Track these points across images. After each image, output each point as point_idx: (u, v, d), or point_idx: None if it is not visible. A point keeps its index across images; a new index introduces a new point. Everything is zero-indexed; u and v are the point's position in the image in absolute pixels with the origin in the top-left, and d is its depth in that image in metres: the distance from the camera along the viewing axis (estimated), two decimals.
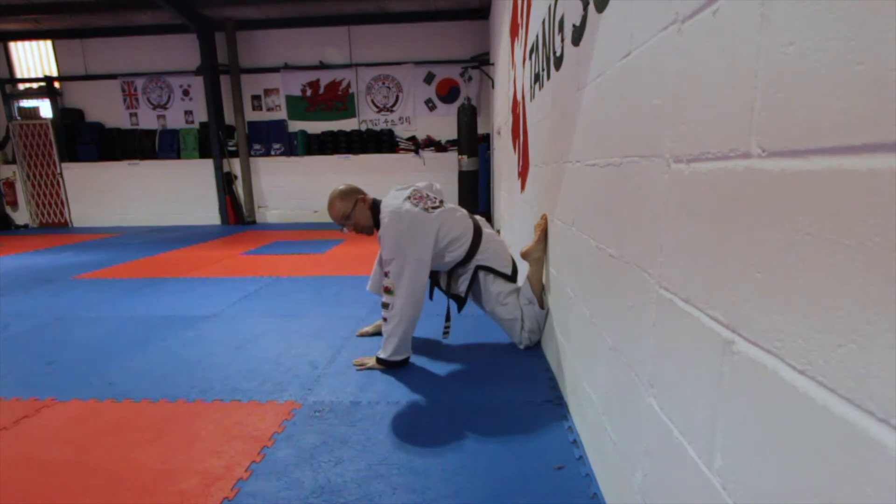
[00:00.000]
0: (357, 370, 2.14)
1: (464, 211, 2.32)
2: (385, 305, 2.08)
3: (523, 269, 2.32)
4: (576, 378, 1.63)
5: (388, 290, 2.05)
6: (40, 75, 8.38)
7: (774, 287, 0.57)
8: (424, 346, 2.41)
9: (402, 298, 2.03)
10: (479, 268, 2.27)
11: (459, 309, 2.39)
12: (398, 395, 1.92)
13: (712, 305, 0.71)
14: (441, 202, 2.22)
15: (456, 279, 2.32)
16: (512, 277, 2.31)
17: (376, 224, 2.13)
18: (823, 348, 0.49)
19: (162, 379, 2.10)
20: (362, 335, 2.57)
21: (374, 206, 2.16)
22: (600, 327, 1.32)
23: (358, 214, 2.14)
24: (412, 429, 1.68)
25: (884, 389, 0.42)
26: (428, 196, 2.21)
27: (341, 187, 2.19)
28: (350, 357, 2.28)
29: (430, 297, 2.42)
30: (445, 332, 2.37)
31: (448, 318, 2.37)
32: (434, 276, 2.41)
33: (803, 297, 0.52)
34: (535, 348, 2.36)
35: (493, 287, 2.27)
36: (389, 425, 1.70)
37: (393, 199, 2.16)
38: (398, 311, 2.04)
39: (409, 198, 2.15)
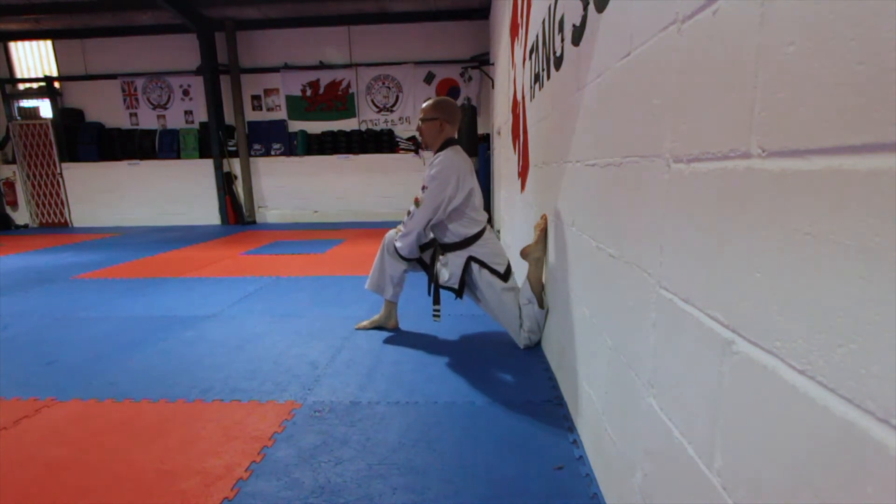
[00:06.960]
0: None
1: (486, 215, 2.49)
2: (408, 213, 2.40)
3: (523, 268, 2.33)
4: (576, 378, 1.63)
5: (416, 202, 2.35)
6: (40, 75, 8.38)
7: (774, 287, 0.57)
8: (425, 345, 2.42)
9: (422, 211, 2.33)
10: (472, 259, 2.32)
11: (459, 295, 2.41)
12: (398, 395, 1.92)
13: (712, 305, 0.71)
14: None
15: (445, 264, 2.38)
16: (504, 277, 2.34)
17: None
18: (823, 348, 0.49)
19: (162, 379, 2.10)
20: (360, 328, 2.67)
21: (447, 142, 2.37)
22: (600, 327, 1.32)
23: (433, 130, 2.37)
24: (412, 429, 1.68)
25: (884, 389, 0.42)
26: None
27: (449, 101, 2.45)
28: (350, 357, 2.29)
29: (429, 292, 2.47)
30: (436, 315, 2.44)
31: (437, 301, 2.44)
32: (423, 260, 2.53)
33: (803, 296, 0.52)
34: (535, 348, 2.36)
35: (487, 281, 2.33)
36: (389, 425, 1.70)
37: (458, 157, 2.34)
38: (417, 218, 2.35)
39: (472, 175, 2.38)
